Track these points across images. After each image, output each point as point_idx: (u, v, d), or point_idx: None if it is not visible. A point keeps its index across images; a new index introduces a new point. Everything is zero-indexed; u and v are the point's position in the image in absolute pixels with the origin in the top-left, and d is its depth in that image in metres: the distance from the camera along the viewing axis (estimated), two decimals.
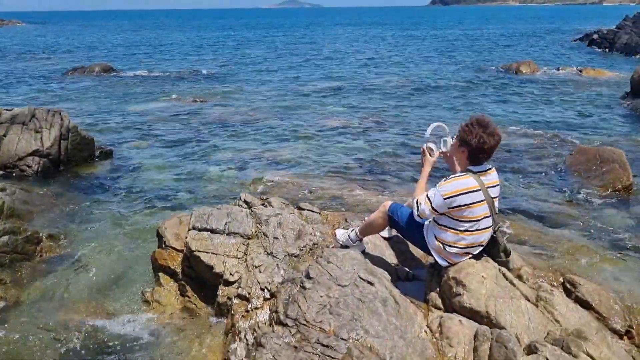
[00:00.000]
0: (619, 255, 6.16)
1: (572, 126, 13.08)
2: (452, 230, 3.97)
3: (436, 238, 4.07)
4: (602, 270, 5.78)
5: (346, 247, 4.72)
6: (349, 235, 4.76)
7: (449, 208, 3.88)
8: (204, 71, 24.98)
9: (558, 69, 23.65)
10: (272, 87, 20.12)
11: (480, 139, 3.78)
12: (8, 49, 39.16)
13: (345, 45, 41.70)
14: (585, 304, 4.09)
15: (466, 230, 3.93)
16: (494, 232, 4.10)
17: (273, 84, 21.09)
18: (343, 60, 30.54)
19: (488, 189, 3.89)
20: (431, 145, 4.31)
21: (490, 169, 3.98)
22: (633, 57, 30.83)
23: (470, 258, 4.09)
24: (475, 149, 3.83)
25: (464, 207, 3.85)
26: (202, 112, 15.11)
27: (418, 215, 4.00)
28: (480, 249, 4.10)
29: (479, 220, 3.92)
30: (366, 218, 4.93)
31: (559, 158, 9.90)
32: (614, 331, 3.95)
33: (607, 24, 55.12)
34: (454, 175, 3.94)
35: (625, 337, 3.99)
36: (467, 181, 3.84)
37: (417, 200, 3.99)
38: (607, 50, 34.98)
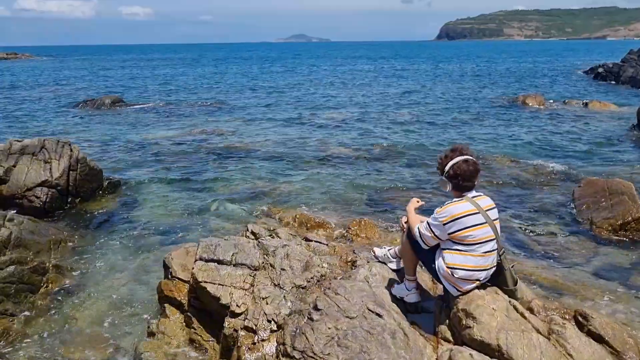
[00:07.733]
0: (630, 292, 6.05)
1: (580, 158, 13.05)
2: (458, 252, 3.97)
3: (445, 263, 4.04)
4: (613, 308, 5.67)
5: (383, 263, 4.94)
6: (388, 254, 4.95)
7: (449, 233, 3.91)
8: (212, 103, 25.28)
9: (564, 102, 23.73)
10: (279, 119, 20.30)
11: (453, 164, 3.92)
12: (21, 82, 39.85)
13: (353, 77, 42.12)
14: (598, 338, 4.01)
15: (472, 252, 3.93)
16: (499, 257, 4.06)
17: (280, 115, 21.27)
18: (350, 91, 30.79)
19: (487, 212, 3.92)
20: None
21: (481, 194, 4.05)
22: (639, 89, 30.92)
23: (477, 287, 4.05)
24: (453, 176, 3.93)
25: (463, 231, 3.87)
26: (209, 144, 15.24)
27: (425, 244, 4.08)
28: (487, 273, 4.06)
29: (482, 243, 3.92)
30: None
31: (567, 190, 9.85)
32: None
33: (612, 57, 55.54)
34: (449, 201, 4.00)
35: None
36: (463, 205, 3.90)
37: (418, 230, 4.08)
38: (613, 83, 35.18)
